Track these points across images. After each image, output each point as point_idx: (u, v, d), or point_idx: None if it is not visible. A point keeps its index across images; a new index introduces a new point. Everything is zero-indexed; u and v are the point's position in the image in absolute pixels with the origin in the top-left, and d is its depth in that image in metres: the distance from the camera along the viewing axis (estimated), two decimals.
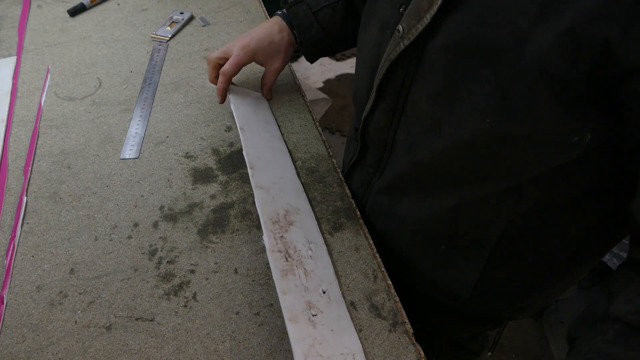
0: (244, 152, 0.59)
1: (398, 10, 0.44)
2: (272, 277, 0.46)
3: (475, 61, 0.38)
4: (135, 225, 0.56)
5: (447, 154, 0.45)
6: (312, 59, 0.70)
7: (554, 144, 0.39)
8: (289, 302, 0.45)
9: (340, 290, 0.49)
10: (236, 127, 0.66)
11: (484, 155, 0.43)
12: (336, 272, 0.51)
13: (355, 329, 0.46)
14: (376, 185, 0.58)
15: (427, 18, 0.39)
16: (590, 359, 0.37)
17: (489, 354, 0.74)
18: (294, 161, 0.63)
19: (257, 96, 0.71)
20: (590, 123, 0.37)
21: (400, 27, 0.43)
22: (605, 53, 0.32)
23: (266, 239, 0.50)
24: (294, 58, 2.25)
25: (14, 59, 0.78)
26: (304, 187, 0.59)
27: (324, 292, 0.47)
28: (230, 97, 0.67)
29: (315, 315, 0.45)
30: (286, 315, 0.44)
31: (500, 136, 0.40)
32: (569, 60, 0.34)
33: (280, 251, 0.49)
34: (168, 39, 0.83)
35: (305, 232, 0.53)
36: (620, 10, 0.31)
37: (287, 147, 0.65)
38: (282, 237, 0.51)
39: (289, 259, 0.49)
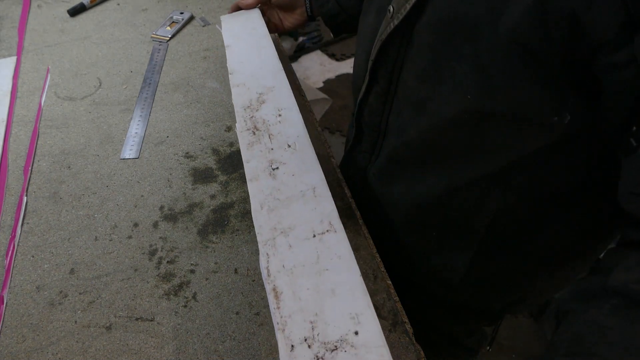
0: (227, 64, 0.63)
1: None
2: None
3: (457, 39, 0.39)
4: (135, 225, 0.56)
5: (432, 133, 0.46)
6: (334, 33, 0.74)
7: (534, 124, 0.40)
8: (252, 167, 0.49)
9: (310, 140, 0.52)
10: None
11: (467, 134, 0.44)
12: (306, 126, 0.54)
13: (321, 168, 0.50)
14: (371, 171, 0.59)
15: None
16: (583, 332, 0.35)
17: (488, 348, 0.74)
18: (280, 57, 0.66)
19: (247, 12, 0.75)
20: (569, 103, 0.38)
21: (390, 8, 0.44)
22: (573, 25, 0.33)
23: (237, 125, 0.54)
24: (294, 58, 2.25)
25: (14, 59, 0.78)
26: (284, 69, 0.63)
27: (289, 146, 0.51)
28: (222, 24, 0.72)
29: (277, 168, 0.49)
30: (248, 177, 0.48)
31: (482, 114, 0.41)
32: (540, 33, 0.34)
33: (248, 129, 0.53)
34: (168, 39, 0.83)
35: (276, 103, 0.57)
36: None
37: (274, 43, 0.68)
38: (252, 117, 0.55)
39: (256, 132, 0.53)
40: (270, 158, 0.50)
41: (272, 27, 0.78)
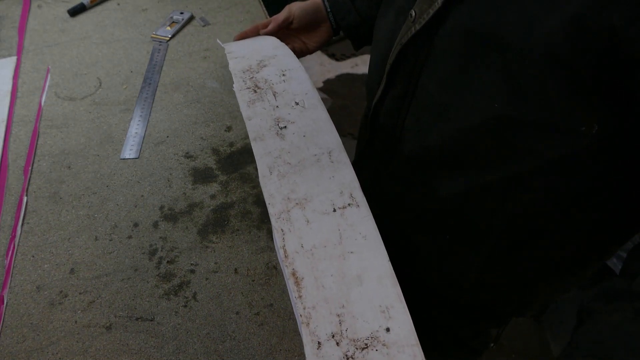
0: (226, 51, 0.58)
1: None
2: (272, 276, 0.46)
3: (484, 46, 0.39)
4: (135, 225, 0.56)
5: (455, 139, 0.46)
6: (356, 46, 0.73)
7: (561, 132, 0.39)
8: (255, 124, 0.44)
9: (320, 98, 0.47)
10: (236, 127, 0.66)
11: (492, 141, 0.43)
12: (314, 84, 0.49)
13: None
14: (384, 173, 0.58)
15: (439, 2, 0.40)
16: (605, 335, 0.36)
17: (492, 345, 0.74)
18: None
19: (262, 40, 0.71)
20: (598, 113, 0.37)
21: (412, 12, 0.43)
22: (612, 41, 0.32)
23: (235, 85, 0.49)
24: None
25: (14, 59, 0.78)
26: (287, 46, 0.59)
27: (297, 104, 0.46)
28: (226, 51, 0.67)
29: (285, 127, 0.44)
30: (251, 136, 0.43)
31: (508, 121, 0.40)
32: (576, 47, 0.34)
33: (248, 88, 0.48)
34: (168, 39, 0.83)
35: (279, 67, 0.51)
36: None
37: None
38: (252, 77, 0.50)
39: (258, 90, 0.48)
40: (276, 116, 0.45)
41: (298, 53, 0.74)
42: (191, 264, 0.52)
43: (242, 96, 0.47)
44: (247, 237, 0.55)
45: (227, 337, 0.47)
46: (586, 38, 0.33)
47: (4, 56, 0.78)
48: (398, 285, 0.36)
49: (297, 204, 0.39)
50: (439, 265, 0.59)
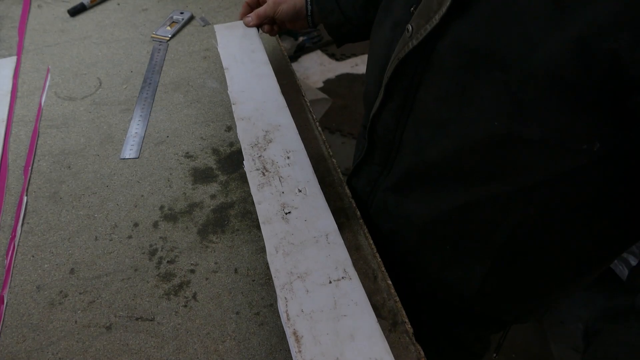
0: (228, 91, 0.64)
1: (409, 9, 0.44)
2: (272, 277, 0.47)
3: (484, 64, 0.38)
4: (136, 225, 0.56)
5: (454, 154, 0.45)
6: (338, 44, 0.75)
7: (563, 150, 0.39)
8: (264, 209, 0.51)
9: (320, 185, 0.54)
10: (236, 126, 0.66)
11: (492, 156, 0.43)
12: (315, 172, 0.55)
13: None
14: (383, 184, 0.58)
15: (436, 19, 0.39)
16: (614, 352, 0.36)
17: (494, 355, 0.74)
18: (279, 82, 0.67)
19: (244, 27, 0.77)
20: (600, 132, 0.37)
21: (409, 27, 0.43)
22: (615, 64, 0.32)
23: (246, 163, 0.55)
24: (294, 58, 2.25)
25: (14, 59, 0.78)
26: (287, 104, 0.64)
27: (300, 191, 0.53)
28: (217, 39, 0.73)
29: (289, 212, 0.50)
30: (261, 219, 0.49)
31: (509, 139, 0.40)
32: (579, 69, 0.34)
33: (257, 169, 0.55)
34: (168, 39, 0.83)
35: (283, 144, 0.58)
36: (631, 22, 0.30)
37: (273, 71, 0.69)
38: (260, 156, 0.56)
39: (266, 173, 0.54)
40: (281, 202, 0.51)
41: (276, 29, 0.81)
42: (191, 264, 0.52)
43: (253, 178, 0.54)
44: (247, 237, 0.55)
45: (227, 337, 0.47)
46: (589, 60, 0.33)
47: (4, 56, 0.78)
48: (386, 341, 0.41)
49: (298, 277, 0.45)
50: (439, 275, 0.58)
